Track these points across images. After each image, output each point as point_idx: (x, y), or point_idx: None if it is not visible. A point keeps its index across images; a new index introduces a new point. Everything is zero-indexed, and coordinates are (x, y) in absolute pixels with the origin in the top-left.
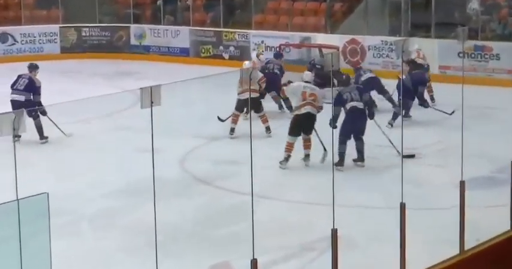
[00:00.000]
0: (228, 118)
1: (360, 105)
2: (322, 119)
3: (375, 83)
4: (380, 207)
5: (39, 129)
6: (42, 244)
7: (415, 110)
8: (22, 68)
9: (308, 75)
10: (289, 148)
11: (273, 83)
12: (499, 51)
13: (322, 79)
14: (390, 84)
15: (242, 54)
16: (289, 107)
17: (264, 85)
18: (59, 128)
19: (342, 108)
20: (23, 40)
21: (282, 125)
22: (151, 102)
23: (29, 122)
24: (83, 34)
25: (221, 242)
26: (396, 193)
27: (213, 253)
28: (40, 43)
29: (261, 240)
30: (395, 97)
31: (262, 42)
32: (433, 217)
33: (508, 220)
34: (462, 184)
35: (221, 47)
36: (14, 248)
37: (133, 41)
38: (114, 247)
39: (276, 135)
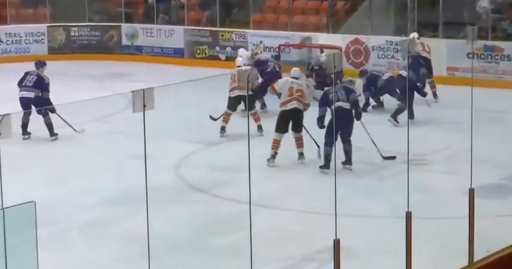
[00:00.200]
0: (220, 117)
1: (346, 105)
2: (311, 119)
3: (395, 83)
4: (384, 216)
5: (49, 126)
6: (29, 255)
7: (417, 112)
8: (7, 69)
9: (297, 71)
10: (276, 145)
11: (274, 81)
12: (510, 52)
13: (323, 79)
14: None
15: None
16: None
17: (256, 83)
18: (69, 125)
19: (328, 109)
20: (8, 40)
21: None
22: (144, 106)
23: (38, 119)
24: (72, 34)
25: (218, 252)
26: (402, 201)
27: (209, 264)
28: (26, 43)
29: (259, 250)
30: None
31: (261, 42)
32: (441, 226)
33: None
34: (471, 191)
35: (217, 48)
36: None
37: (124, 41)
38: (105, 258)
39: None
